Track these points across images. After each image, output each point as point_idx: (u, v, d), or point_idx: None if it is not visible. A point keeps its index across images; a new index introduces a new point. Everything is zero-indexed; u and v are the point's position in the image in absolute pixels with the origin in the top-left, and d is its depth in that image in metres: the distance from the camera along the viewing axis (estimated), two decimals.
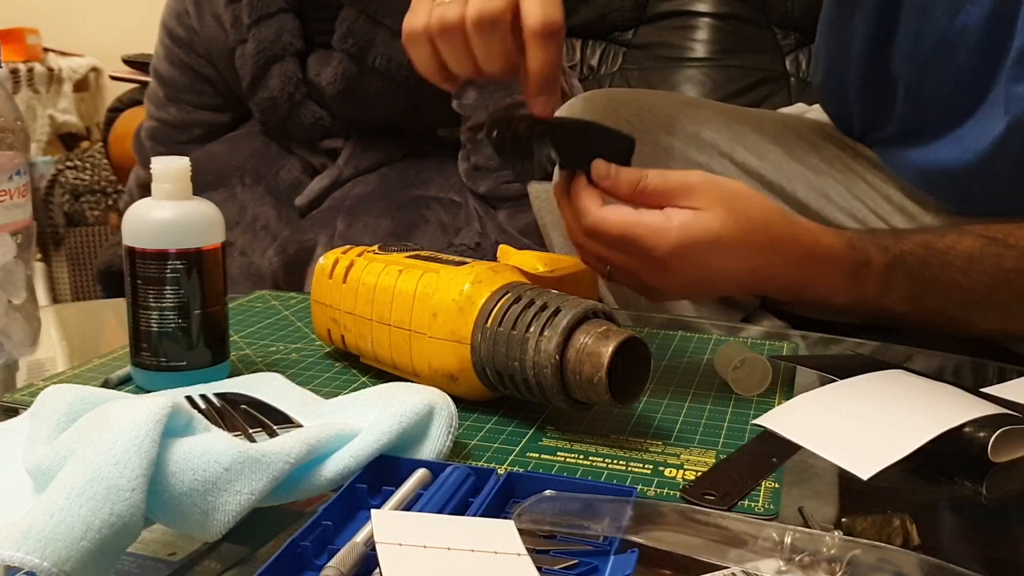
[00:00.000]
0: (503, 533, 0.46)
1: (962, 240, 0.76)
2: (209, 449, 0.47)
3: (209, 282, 0.69)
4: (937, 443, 0.58)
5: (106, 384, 0.70)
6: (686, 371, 0.76)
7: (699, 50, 1.73)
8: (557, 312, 0.61)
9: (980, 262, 0.75)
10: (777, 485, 0.56)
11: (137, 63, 2.11)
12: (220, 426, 0.56)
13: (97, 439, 0.45)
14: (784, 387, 0.72)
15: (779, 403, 0.68)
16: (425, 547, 0.44)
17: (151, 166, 0.68)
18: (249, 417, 0.61)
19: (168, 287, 0.67)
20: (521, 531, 0.46)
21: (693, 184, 0.68)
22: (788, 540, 0.45)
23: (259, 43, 1.36)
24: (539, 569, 0.44)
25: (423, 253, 0.73)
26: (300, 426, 0.59)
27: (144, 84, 2.03)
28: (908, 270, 0.74)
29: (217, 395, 0.65)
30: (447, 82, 0.71)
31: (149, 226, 0.68)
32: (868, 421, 0.64)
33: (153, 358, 0.69)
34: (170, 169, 0.68)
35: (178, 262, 0.67)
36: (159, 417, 0.46)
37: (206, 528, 0.46)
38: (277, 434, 0.57)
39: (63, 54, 2.77)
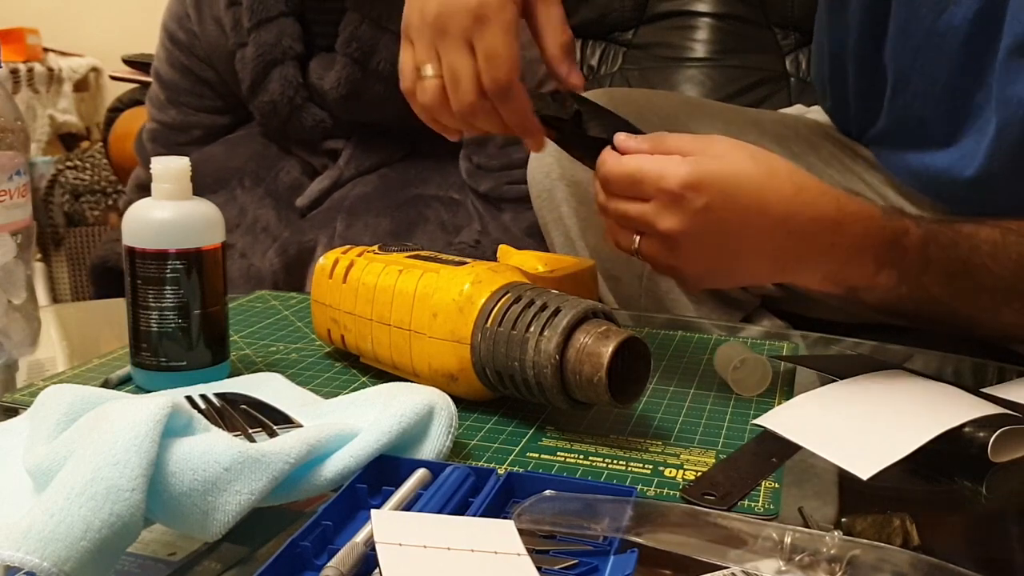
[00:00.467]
0: (503, 533, 0.46)
1: (981, 229, 0.73)
2: (209, 449, 0.47)
3: (209, 282, 0.69)
4: (937, 443, 0.58)
5: (106, 384, 0.70)
6: (686, 371, 0.76)
7: (699, 50, 1.73)
8: (557, 312, 0.61)
9: (1003, 249, 0.71)
10: (777, 485, 0.56)
11: (137, 63, 2.11)
12: (220, 426, 0.56)
13: (97, 439, 0.45)
14: (784, 387, 0.72)
15: (779, 403, 0.68)
16: (425, 547, 0.44)
17: (151, 166, 0.68)
18: (249, 417, 0.61)
19: (168, 287, 0.67)
20: (521, 531, 0.46)
21: (716, 140, 0.67)
22: (788, 540, 0.45)
23: (259, 47, 1.35)
24: (539, 569, 0.44)
25: (423, 253, 0.73)
26: (300, 426, 0.59)
27: (144, 84, 2.03)
28: (942, 245, 0.70)
29: (217, 395, 0.65)
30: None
31: (149, 226, 0.68)
32: (868, 421, 0.64)
33: (153, 358, 0.69)
34: (170, 169, 0.68)
35: (178, 262, 0.67)
36: (159, 417, 0.46)
37: (206, 528, 0.46)
38: (277, 434, 0.57)
39: (63, 54, 2.76)
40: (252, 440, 0.56)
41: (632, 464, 0.58)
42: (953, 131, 0.90)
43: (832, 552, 0.44)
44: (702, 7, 1.74)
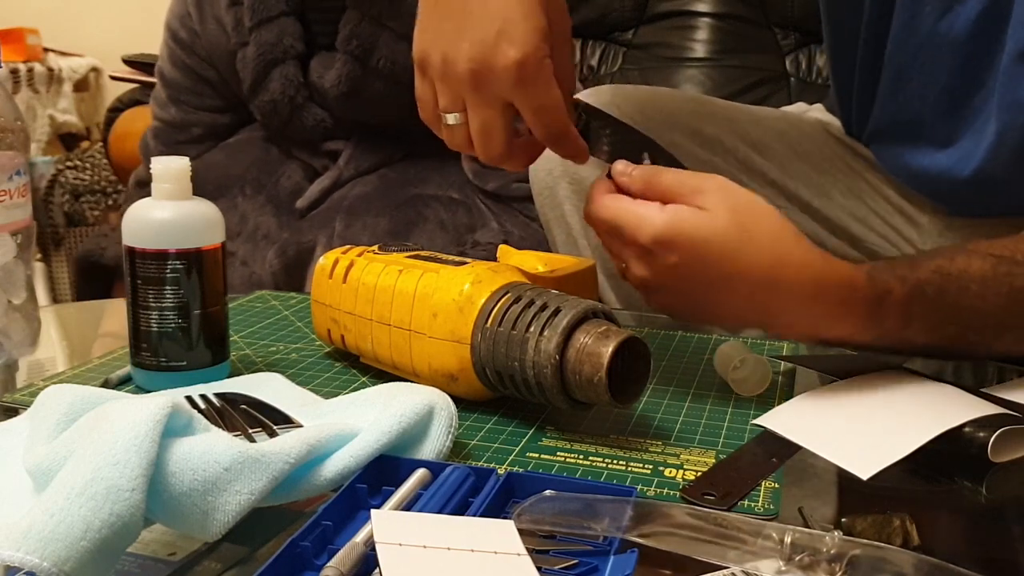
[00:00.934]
0: (503, 533, 0.46)
1: (972, 263, 0.71)
2: (209, 449, 0.47)
3: (209, 282, 0.69)
4: (937, 443, 0.58)
5: (106, 384, 0.70)
6: (686, 371, 0.76)
7: (699, 50, 1.73)
8: (557, 312, 0.61)
9: (993, 283, 0.70)
10: (777, 485, 0.56)
11: (137, 63, 2.11)
12: (220, 426, 0.56)
13: (97, 439, 0.45)
14: (784, 387, 0.72)
15: (779, 403, 0.68)
16: (425, 547, 0.44)
17: (151, 166, 0.68)
18: (249, 417, 0.61)
19: (168, 287, 0.67)
20: (521, 531, 0.46)
21: (705, 186, 0.65)
22: (788, 540, 0.45)
23: (260, 46, 1.36)
24: (539, 569, 0.44)
25: (423, 253, 0.73)
26: (300, 426, 0.59)
27: (144, 84, 2.04)
28: (927, 300, 0.69)
29: (217, 395, 0.65)
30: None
31: (149, 226, 0.68)
32: (868, 421, 0.64)
33: (153, 358, 0.69)
34: (170, 169, 0.68)
35: (178, 262, 0.67)
36: (159, 417, 0.46)
37: (206, 528, 0.46)
38: (277, 434, 0.57)
39: (63, 54, 2.77)
40: (252, 440, 0.56)
41: (632, 464, 0.58)
42: (951, 131, 0.90)
43: (832, 552, 0.44)
44: (702, 7, 1.74)
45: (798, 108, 1.24)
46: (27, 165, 0.77)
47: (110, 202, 2.49)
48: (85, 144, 2.73)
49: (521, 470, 0.57)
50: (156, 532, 0.49)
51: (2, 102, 0.75)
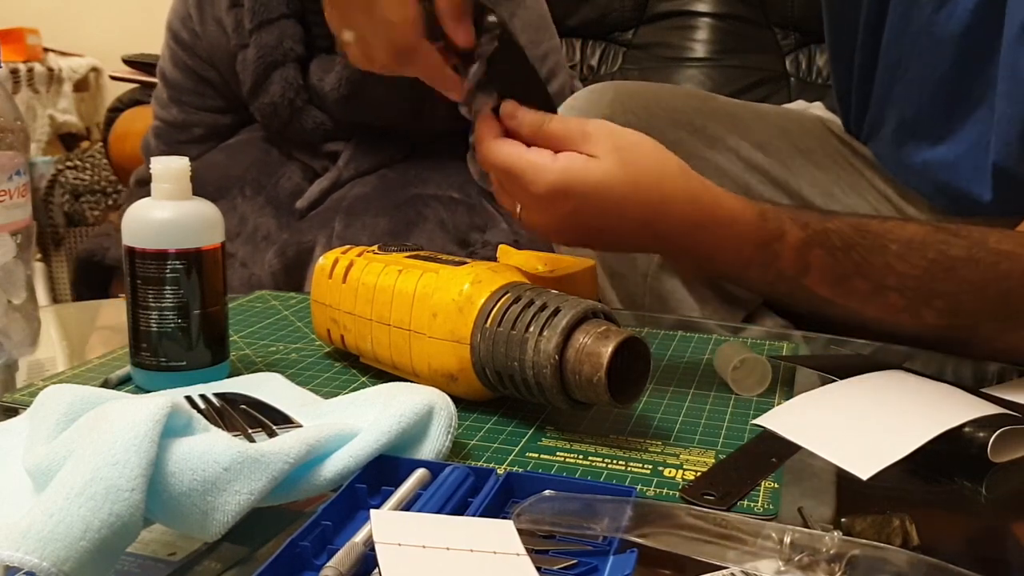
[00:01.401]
0: (502, 533, 0.46)
1: (906, 227, 0.72)
2: (208, 449, 0.47)
3: (209, 282, 0.69)
4: (937, 443, 0.58)
5: (106, 384, 0.70)
6: (686, 371, 0.76)
7: (699, 50, 1.73)
8: (557, 312, 0.61)
9: (921, 247, 0.70)
10: (777, 485, 0.56)
11: (137, 63, 2.11)
12: (220, 426, 0.56)
13: (97, 439, 0.45)
14: (784, 387, 0.72)
15: (779, 403, 0.68)
16: (424, 547, 0.44)
17: (151, 166, 0.68)
18: (249, 417, 0.61)
19: (168, 287, 0.67)
20: (520, 531, 0.46)
21: (590, 131, 0.67)
22: (788, 540, 0.45)
23: (260, 48, 1.36)
24: (538, 569, 0.44)
25: (423, 253, 0.73)
26: (300, 426, 0.59)
27: (144, 84, 2.04)
28: (830, 248, 0.70)
29: (217, 395, 0.65)
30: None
31: (149, 226, 0.68)
32: (868, 421, 0.64)
33: (153, 358, 0.69)
34: (170, 169, 0.68)
35: (178, 262, 0.67)
36: (159, 417, 0.46)
37: (206, 528, 0.46)
38: (277, 434, 0.57)
39: (63, 54, 2.76)
40: (252, 440, 0.56)
41: (632, 464, 0.58)
42: (948, 125, 0.90)
43: (832, 552, 0.44)
44: (702, 7, 1.74)
45: (798, 106, 1.25)
46: (27, 165, 0.77)
47: (110, 202, 2.49)
48: (85, 144, 2.73)
49: (521, 470, 0.57)
50: (156, 532, 0.49)
51: (2, 102, 0.75)
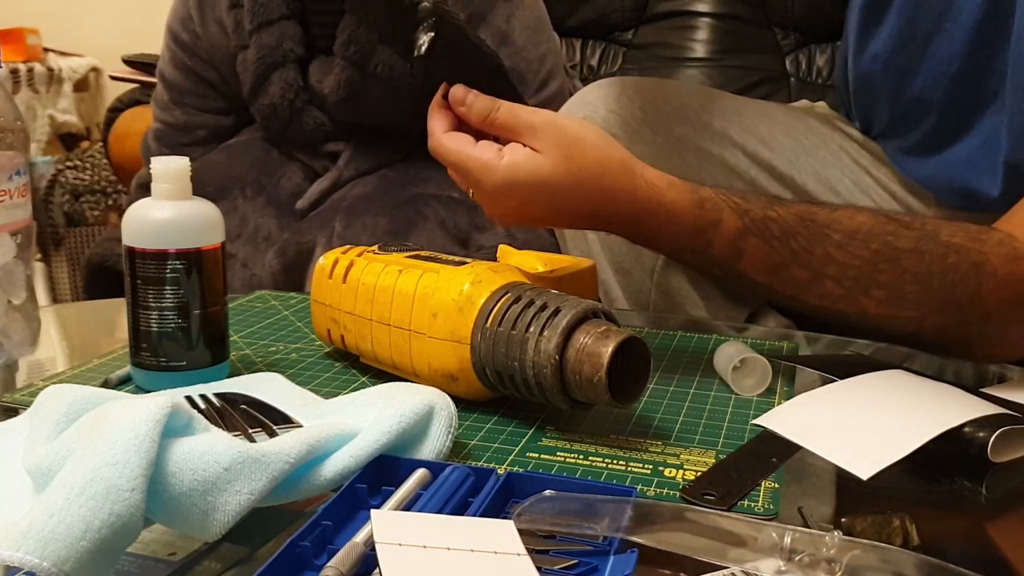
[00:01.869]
0: (503, 533, 0.46)
1: (855, 217, 0.73)
2: (209, 449, 0.47)
3: (209, 282, 0.69)
4: (937, 443, 0.58)
5: (106, 384, 0.70)
6: (686, 371, 0.76)
7: (699, 50, 1.73)
8: (557, 312, 0.61)
9: (865, 238, 0.72)
10: (777, 485, 0.56)
11: (137, 63, 2.11)
12: (220, 426, 0.56)
13: (97, 439, 0.45)
14: (784, 387, 0.72)
15: (779, 403, 0.68)
16: (425, 547, 0.44)
17: (151, 166, 0.68)
18: (249, 417, 0.61)
19: (168, 287, 0.67)
20: (521, 531, 0.46)
21: (536, 124, 0.69)
22: (788, 540, 0.45)
23: (260, 49, 1.35)
24: (539, 569, 0.44)
25: (423, 253, 0.73)
26: (300, 426, 0.59)
27: (144, 84, 2.03)
28: (767, 237, 0.72)
29: (217, 395, 0.65)
30: None
31: (149, 226, 0.68)
32: (868, 421, 0.64)
33: (153, 358, 0.69)
34: (170, 169, 0.68)
35: (178, 262, 0.67)
36: (159, 417, 0.46)
37: (206, 528, 0.46)
38: (277, 434, 0.57)
39: (63, 54, 2.76)
40: (252, 440, 0.56)
41: (632, 464, 0.58)
42: (960, 120, 0.90)
43: (832, 552, 0.44)
44: (702, 7, 1.74)
45: (802, 104, 1.24)
46: (27, 165, 0.77)
47: (110, 202, 2.49)
48: (85, 144, 2.73)
49: (521, 470, 0.57)
50: (156, 532, 0.49)
51: (2, 102, 0.75)
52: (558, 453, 0.60)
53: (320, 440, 0.51)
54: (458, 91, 0.71)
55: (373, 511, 0.47)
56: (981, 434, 0.59)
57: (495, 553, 0.44)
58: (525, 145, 0.69)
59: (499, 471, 0.54)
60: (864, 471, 0.56)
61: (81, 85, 2.78)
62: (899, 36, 0.92)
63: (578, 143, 0.70)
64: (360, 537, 0.45)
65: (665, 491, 0.55)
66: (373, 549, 0.43)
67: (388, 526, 0.45)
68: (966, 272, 0.71)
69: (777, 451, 0.60)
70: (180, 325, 0.68)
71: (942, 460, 0.60)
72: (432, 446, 0.55)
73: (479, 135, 0.71)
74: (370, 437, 0.53)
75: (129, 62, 2.14)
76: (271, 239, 1.35)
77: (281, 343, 0.82)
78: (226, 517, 0.46)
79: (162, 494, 0.45)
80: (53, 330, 0.92)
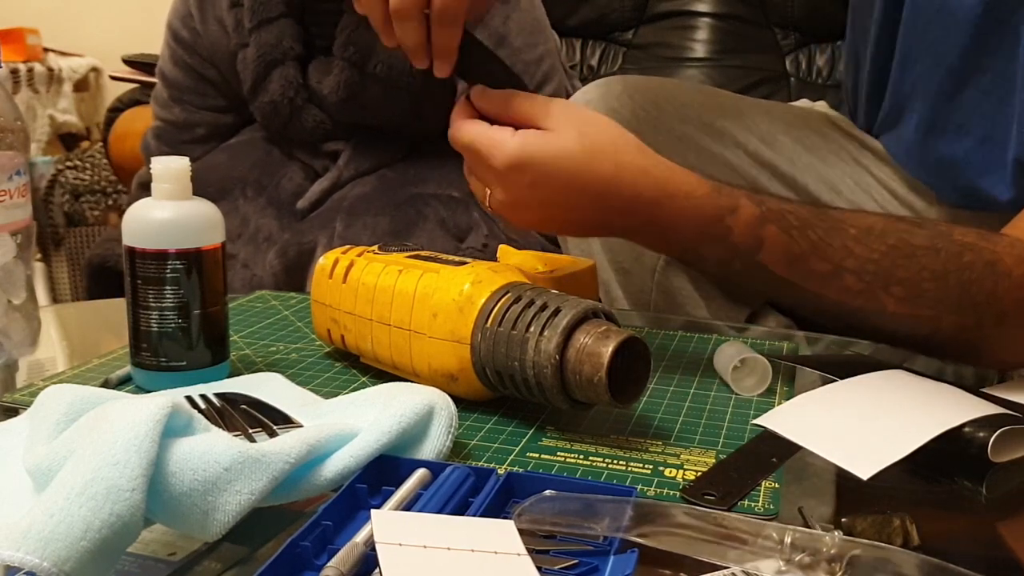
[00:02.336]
0: (503, 533, 0.46)
1: (867, 217, 0.72)
2: (209, 449, 0.47)
3: (209, 282, 0.69)
4: (937, 443, 0.58)
5: (106, 384, 0.70)
6: (686, 371, 0.76)
7: (699, 50, 1.73)
8: (557, 312, 0.61)
9: (881, 234, 0.70)
10: (777, 485, 0.56)
11: (137, 63, 2.11)
12: (220, 426, 0.56)
13: (97, 439, 0.45)
14: (784, 387, 0.72)
15: (779, 403, 0.68)
16: (425, 547, 0.44)
17: (151, 166, 0.68)
18: (249, 417, 0.61)
19: (168, 287, 0.67)
20: (521, 531, 0.46)
21: (551, 108, 0.69)
22: (788, 540, 0.45)
23: (260, 47, 1.36)
24: (539, 569, 0.44)
25: (423, 253, 0.73)
26: (300, 426, 0.59)
27: (144, 84, 2.03)
28: (786, 226, 0.70)
29: (217, 395, 0.65)
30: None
31: (149, 226, 0.68)
32: (868, 421, 0.64)
33: (153, 358, 0.69)
34: (170, 169, 0.68)
35: (178, 262, 0.67)
36: (159, 417, 0.46)
37: (206, 528, 0.46)
38: (277, 434, 0.57)
39: (63, 54, 2.76)
40: (252, 440, 0.56)
41: (632, 464, 0.58)
42: (964, 117, 0.90)
43: (832, 552, 0.44)
44: (702, 7, 1.74)
45: (803, 103, 1.24)
46: (27, 165, 0.77)
47: (110, 202, 2.49)
48: (85, 144, 2.73)
49: (521, 470, 0.57)
50: (156, 532, 0.49)
51: (2, 102, 0.75)
52: (558, 453, 0.60)
53: (320, 440, 0.51)
54: (478, 88, 0.72)
55: (373, 511, 0.47)
56: (981, 434, 0.59)
57: (495, 553, 0.44)
58: (539, 128, 0.69)
59: (499, 471, 0.54)
60: (864, 471, 0.56)
61: (81, 85, 2.78)
62: (908, 19, 0.92)
63: (592, 123, 0.70)
64: (360, 537, 0.45)
65: (665, 491, 0.55)
66: (373, 549, 0.43)
67: (388, 526, 0.45)
68: (981, 271, 0.69)
69: (777, 451, 0.60)
70: (180, 325, 0.68)
71: (942, 460, 0.60)
72: (432, 446, 0.55)
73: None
74: (370, 437, 0.53)
75: (129, 62, 2.14)
76: (272, 239, 1.35)
77: (281, 343, 0.82)
78: (226, 517, 0.46)
79: (162, 494, 0.45)
80: (53, 330, 0.92)
